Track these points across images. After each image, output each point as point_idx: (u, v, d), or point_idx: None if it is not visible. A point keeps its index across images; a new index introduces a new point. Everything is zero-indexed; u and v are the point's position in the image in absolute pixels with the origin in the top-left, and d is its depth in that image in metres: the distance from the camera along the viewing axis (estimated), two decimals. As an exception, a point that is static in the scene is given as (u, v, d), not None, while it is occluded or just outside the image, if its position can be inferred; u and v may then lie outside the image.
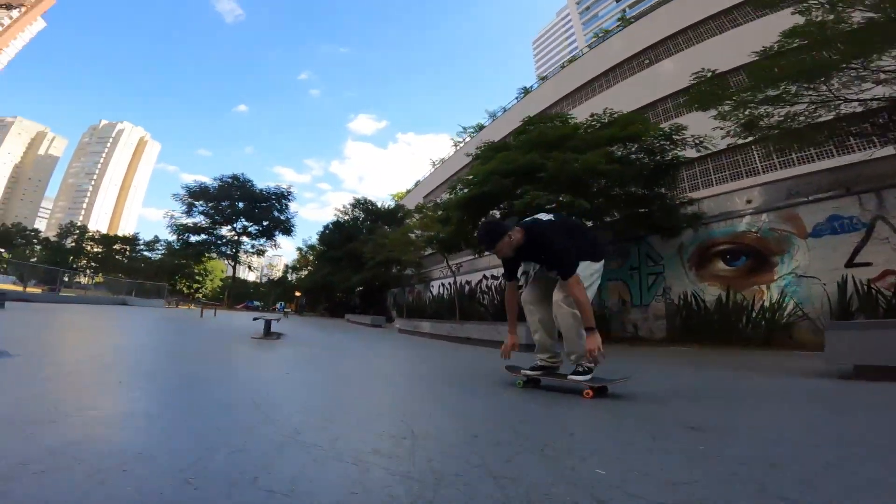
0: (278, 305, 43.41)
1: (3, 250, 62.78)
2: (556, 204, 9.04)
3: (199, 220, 39.75)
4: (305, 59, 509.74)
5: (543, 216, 3.10)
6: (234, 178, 39.86)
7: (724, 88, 9.22)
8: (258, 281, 75.52)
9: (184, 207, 38.94)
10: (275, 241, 42.88)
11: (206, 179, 40.56)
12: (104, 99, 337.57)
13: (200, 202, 39.34)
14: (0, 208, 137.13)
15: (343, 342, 9.22)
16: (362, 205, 38.37)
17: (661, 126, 11.72)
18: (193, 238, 39.88)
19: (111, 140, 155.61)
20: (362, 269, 30.40)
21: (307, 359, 5.52)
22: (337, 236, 37.78)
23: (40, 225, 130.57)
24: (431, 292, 27.03)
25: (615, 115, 11.54)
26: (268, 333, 7.36)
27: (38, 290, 30.72)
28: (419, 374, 4.73)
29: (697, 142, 10.49)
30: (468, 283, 21.86)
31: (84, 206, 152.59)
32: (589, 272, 2.92)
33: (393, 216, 35.49)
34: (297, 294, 51.09)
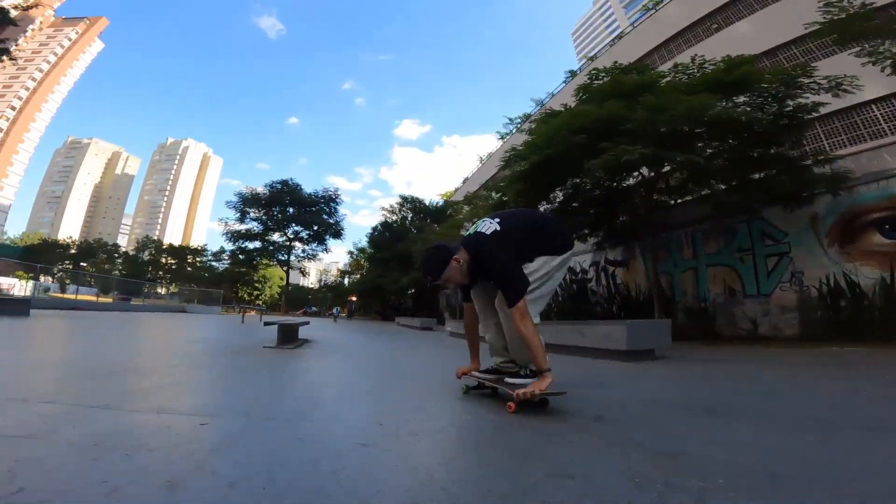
0: (334, 310, 43.18)
1: (84, 264, 67.96)
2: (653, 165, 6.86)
3: (252, 226, 40.41)
4: (347, 68, 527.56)
5: (487, 224, 2.56)
6: (284, 183, 40.11)
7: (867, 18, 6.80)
8: (314, 286, 76.91)
9: (237, 215, 39.65)
10: (326, 245, 42.84)
11: (259, 189, 40.54)
12: (165, 117, 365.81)
13: (253, 209, 39.88)
14: (86, 225, 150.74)
15: (377, 349, 7.69)
16: (410, 203, 37.19)
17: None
18: (248, 245, 40.53)
19: (178, 157, 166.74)
20: (412, 269, 29.01)
21: (305, 376, 3.83)
22: (386, 237, 36.84)
23: (122, 240, 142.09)
24: (486, 291, 25.12)
25: (710, 65, 9.02)
26: (285, 342, 5.80)
27: (109, 300, 32.21)
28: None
29: (833, 84, 7.88)
30: None
31: (159, 220, 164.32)
32: (546, 269, 2.50)
33: (442, 214, 33.96)
34: (353, 298, 50.93)
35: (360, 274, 46.84)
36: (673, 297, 11.04)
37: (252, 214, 40.02)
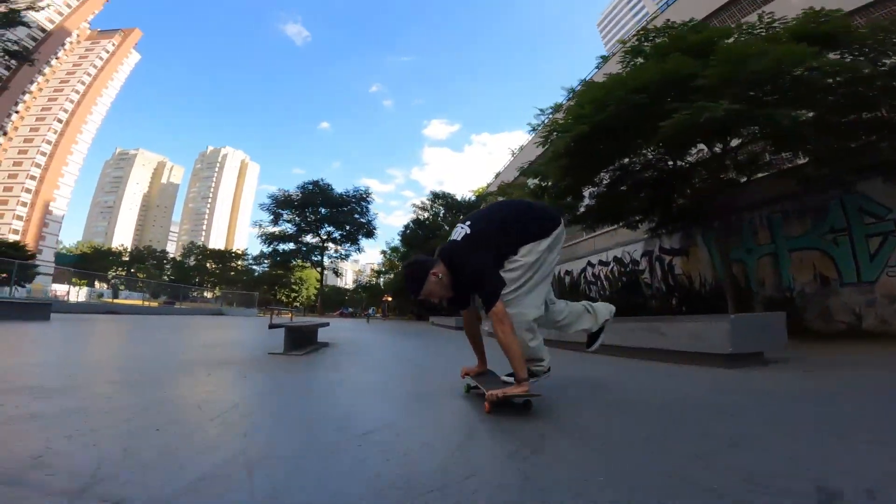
0: (370, 311, 43.08)
1: (132, 270, 71.17)
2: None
3: (286, 227, 40.71)
4: (373, 71, 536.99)
5: (458, 230, 2.39)
6: (315, 184, 40.13)
7: None
8: (350, 287, 77.53)
9: (270, 217, 40.01)
10: (359, 245, 42.69)
11: (292, 191, 40.77)
12: (202, 125, 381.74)
13: (286, 211, 40.11)
14: (137, 233, 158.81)
15: (406, 352, 6.87)
16: (441, 199, 36.33)
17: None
18: (281, 247, 40.86)
19: (218, 164, 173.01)
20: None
21: (312, 392, 2.92)
22: (418, 234, 36.18)
23: (171, 247, 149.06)
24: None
25: (780, 24, 7.51)
26: (294, 347, 5.01)
27: (155, 304, 33.13)
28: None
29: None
30: (568, 273, 18.45)
31: (203, 226, 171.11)
32: (535, 257, 2.31)
33: (474, 209, 32.93)
34: (388, 299, 50.74)
35: (394, 273, 46.51)
36: (748, 287, 9.59)
37: (285, 216, 40.30)
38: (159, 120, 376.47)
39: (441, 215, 36.31)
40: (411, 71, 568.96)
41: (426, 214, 36.88)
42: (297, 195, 40.29)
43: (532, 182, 11.79)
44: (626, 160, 8.95)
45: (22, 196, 77.66)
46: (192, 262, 75.67)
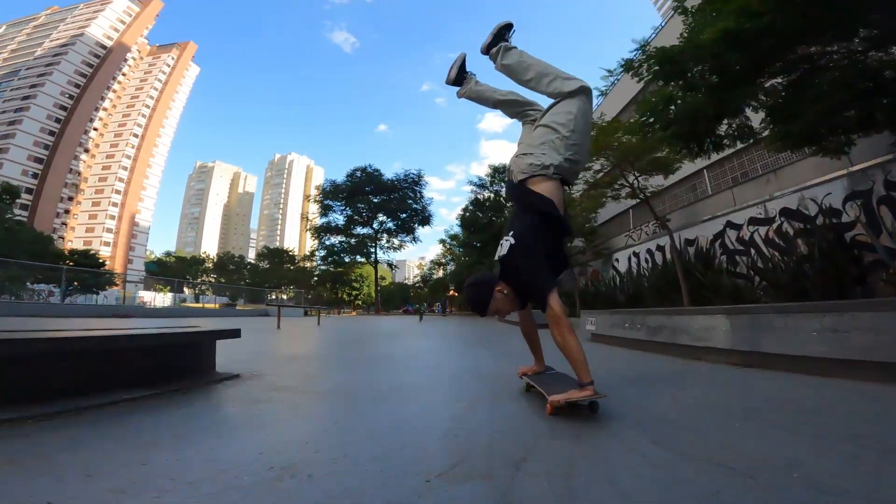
0: (421, 306, 39.05)
1: (214, 276, 73.70)
2: None
3: (333, 219, 37.97)
4: (422, 70, 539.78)
5: (503, 245, 2.20)
6: (362, 170, 36.78)
7: None
8: (411, 282, 74.64)
9: (319, 209, 37.35)
10: (415, 234, 38.77)
11: (340, 180, 37.82)
12: (267, 134, 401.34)
13: (336, 202, 37.31)
14: (221, 241, 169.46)
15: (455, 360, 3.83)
16: (502, 173, 31.36)
17: None
18: (331, 240, 38.20)
19: (286, 171, 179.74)
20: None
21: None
22: (478, 217, 31.61)
23: (251, 253, 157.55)
24: (617, 269, 18.53)
25: None
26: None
27: (215, 307, 31.74)
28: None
29: None
30: (691, 242, 13.04)
31: (278, 231, 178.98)
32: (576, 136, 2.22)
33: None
34: (453, 293, 46.71)
35: (456, 263, 42.08)
36: None
37: (336, 207, 37.53)
38: (226, 130, 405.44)
39: (504, 193, 31.42)
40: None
41: (486, 193, 32.11)
42: (345, 184, 37.25)
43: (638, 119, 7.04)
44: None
45: (109, 210, 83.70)
46: (265, 265, 76.89)
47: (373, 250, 39.07)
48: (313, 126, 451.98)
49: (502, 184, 31.47)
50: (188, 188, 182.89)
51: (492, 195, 31.90)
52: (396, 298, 70.82)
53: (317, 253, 45.10)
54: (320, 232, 38.22)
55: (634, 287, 14.37)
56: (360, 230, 38.42)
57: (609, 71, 8.34)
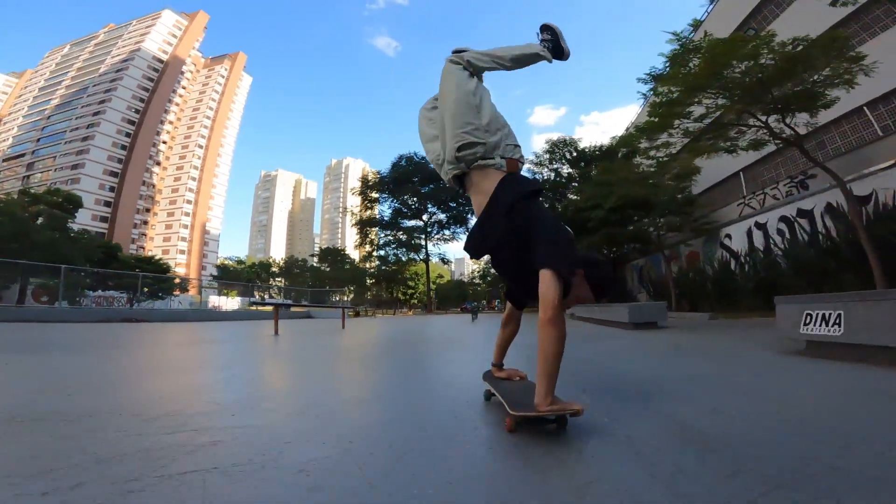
0: (471, 304, 35.61)
1: (281, 279, 75.42)
2: None
3: (383, 211, 35.70)
4: None
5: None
6: (408, 159, 34.03)
7: None
8: (468, 279, 71.52)
9: (362, 202, 35.22)
10: (468, 224, 35.47)
11: (385, 171, 35.47)
12: (323, 140, 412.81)
13: (382, 194, 35.00)
14: (288, 247, 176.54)
15: None
16: (561, 149, 27.20)
17: None
18: (381, 235, 35.96)
19: (343, 175, 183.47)
20: (581, 233, 19.52)
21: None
22: (539, 198, 27.90)
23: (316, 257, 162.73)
24: (726, 249, 14.16)
25: None
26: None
27: (268, 309, 30.73)
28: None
29: None
30: (864, 199, 8.83)
31: (339, 235, 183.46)
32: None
33: (611, 157, 23.32)
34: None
35: None
36: None
37: (381, 199, 35.25)
38: (283, 138, 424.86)
39: (565, 174, 27.29)
40: None
41: (545, 172, 28.09)
42: (389, 175, 34.69)
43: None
44: None
45: (182, 219, 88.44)
46: (326, 267, 77.40)
47: (423, 243, 36.30)
48: (366, 130, 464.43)
49: (563, 161, 27.40)
50: (255, 197, 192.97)
51: (552, 174, 27.85)
52: (454, 296, 67.95)
53: (366, 248, 43.20)
54: (364, 225, 36.11)
55: (768, 268, 10.18)
56: (408, 223, 35.85)
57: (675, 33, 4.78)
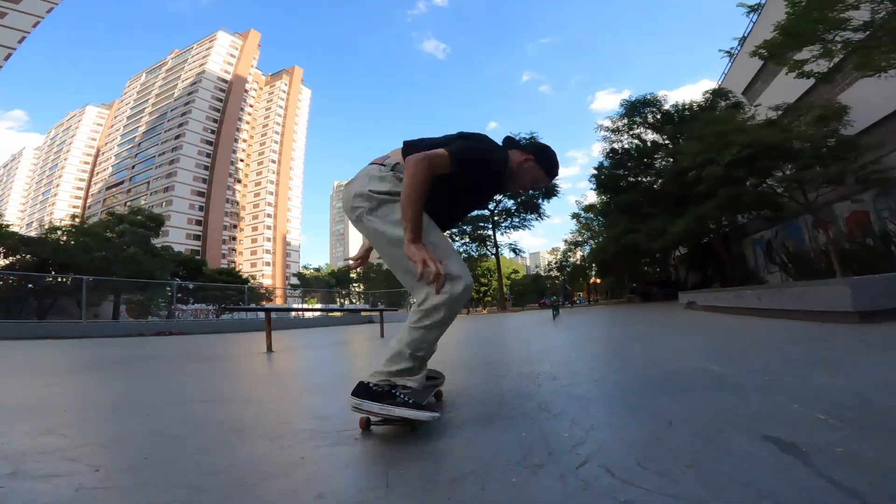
0: (551, 299, 31.77)
1: (361, 284, 76.88)
2: None
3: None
4: (518, 61, 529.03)
5: None
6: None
7: None
8: (545, 273, 67.11)
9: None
10: (540, 211, 31.94)
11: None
12: (387, 144, 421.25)
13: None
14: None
15: None
16: (642, 109, 22.72)
17: None
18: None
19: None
20: (685, 207, 15.66)
21: None
22: (618, 174, 23.75)
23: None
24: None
25: None
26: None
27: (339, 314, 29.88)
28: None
29: None
30: None
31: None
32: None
33: (710, 112, 18.82)
34: (596, 280, 38.78)
35: (596, 240, 33.78)
36: None
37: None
38: (348, 148, 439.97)
39: (649, 141, 22.92)
40: (556, 50, 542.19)
41: (625, 139, 23.79)
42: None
43: None
44: None
45: (265, 233, 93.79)
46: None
47: (490, 233, 33.32)
48: (430, 130, 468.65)
49: (644, 126, 22.98)
50: (331, 207, 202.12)
51: (635, 141, 23.56)
52: (531, 291, 64.05)
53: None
54: None
55: None
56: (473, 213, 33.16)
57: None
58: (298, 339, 8.24)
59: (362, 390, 1.36)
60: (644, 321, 6.73)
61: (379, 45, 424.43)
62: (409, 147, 1.55)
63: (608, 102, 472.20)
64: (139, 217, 35.89)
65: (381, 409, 1.31)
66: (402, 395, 1.35)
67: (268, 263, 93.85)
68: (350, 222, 1.59)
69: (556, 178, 1.70)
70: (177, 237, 74.56)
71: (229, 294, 35.35)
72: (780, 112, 12.41)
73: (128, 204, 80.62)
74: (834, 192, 11.44)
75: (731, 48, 24.75)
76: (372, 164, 1.58)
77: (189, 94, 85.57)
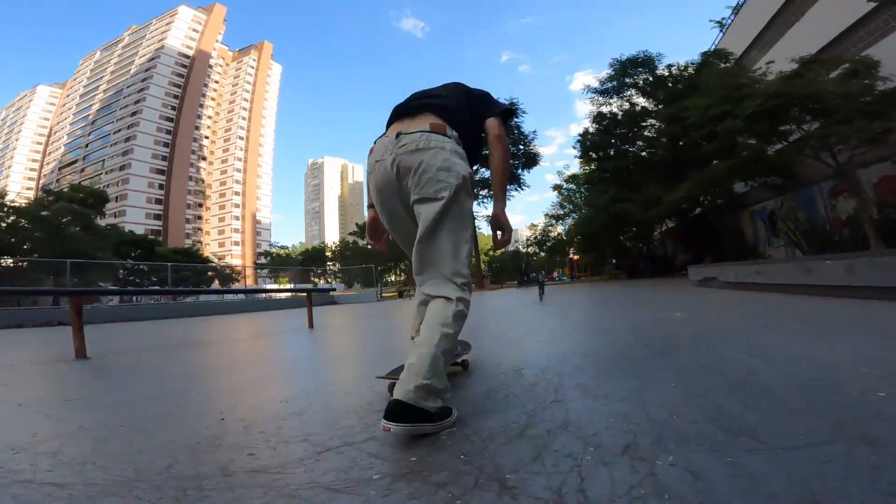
0: (526, 275, 30.06)
1: (336, 263, 74.19)
2: None
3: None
4: (499, 41, 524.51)
5: None
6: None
7: None
8: (524, 248, 65.69)
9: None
10: (520, 181, 29.85)
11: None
12: (361, 123, 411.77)
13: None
14: (341, 231, 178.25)
15: None
16: (633, 69, 20.67)
17: None
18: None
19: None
20: (684, 175, 13.94)
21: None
22: (605, 141, 21.87)
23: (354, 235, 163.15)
24: None
25: None
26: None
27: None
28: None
29: None
30: None
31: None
32: None
33: (706, 73, 16.93)
34: (574, 257, 37.36)
35: (579, 212, 31.77)
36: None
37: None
38: (324, 124, 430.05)
39: (639, 105, 21.01)
40: (537, 30, 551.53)
41: (614, 102, 21.78)
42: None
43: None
44: None
45: (233, 211, 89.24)
46: (368, 244, 75.23)
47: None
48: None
49: (634, 89, 20.98)
50: (306, 185, 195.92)
51: (625, 104, 21.59)
52: (510, 268, 62.61)
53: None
54: None
55: None
56: None
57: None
58: (198, 330, 6.00)
59: (414, 414, 1.17)
60: (667, 304, 4.84)
61: (355, 23, 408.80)
62: (486, 102, 1.65)
63: (588, 82, 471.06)
64: (80, 194, 32.37)
65: (436, 428, 1.20)
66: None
67: (237, 243, 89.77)
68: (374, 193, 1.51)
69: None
70: (136, 217, 70.15)
71: (185, 276, 32.82)
72: (798, 64, 10.58)
73: (78, 183, 75.63)
74: (872, 153, 9.72)
75: (723, 18, 22.93)
76: (434, 133, 1.42)
77: (147, 70, 79.99)
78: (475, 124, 1.59)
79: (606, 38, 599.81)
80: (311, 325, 5.80)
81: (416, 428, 1.13)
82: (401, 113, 1.54)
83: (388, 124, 1.56)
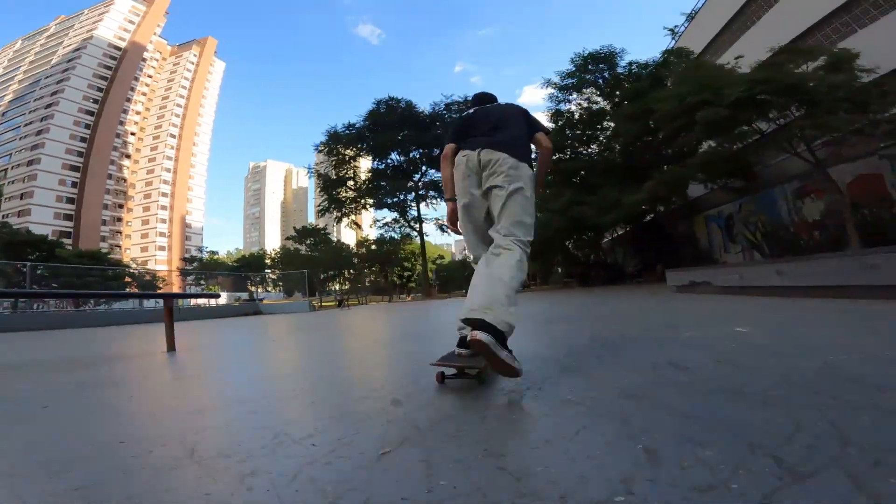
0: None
1: (274, 270, 69.52)
2: None
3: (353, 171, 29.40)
4: (453, 52, 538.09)
5: None
6: (391, 100, 26.83)
7: None
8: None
9: (331, 160, 28.45)
10: (470, 188, 28.64)
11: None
12: (307, 129, 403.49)
13: (349, 148, 28.20)
14: (283, 237, 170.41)
15: None
16: (592, 65, 20.01)
17: None
18: (343, 194, 29.80)
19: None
20: (644, 176, 13.13)
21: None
22: (567, 138, 21.13)
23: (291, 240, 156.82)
24: None
25: None
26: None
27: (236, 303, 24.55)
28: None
29: None
30: None
31: (334, 223, 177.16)
32: None
33: (672, 67, 16.60)
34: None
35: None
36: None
37: (350, 152, 28.80)
38: (269, 129, 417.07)
39: (599, 102, 20.44)
40: (492, 42, 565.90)
41: (574, 99, 21.01)
42: (363, 124, 27.60)
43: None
44: None
45: (159, 213, 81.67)
46: (306, 250, 71.55)
47: (413, 206, 29.56)
48: (355, 116, 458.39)
49: (593, 86, 20.41)
50: (246, 189, 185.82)
51: (584, 104, 20.91)
52: (459, 277, 61.54)
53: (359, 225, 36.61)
54: (327, 185, 29.61)
55: None
56: (386, 183, 29.00)
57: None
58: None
59: (492, 331, 1.27)
60: (662, 317, 3.44)
61: (310, 26, 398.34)
62: (536, 125, 2.06)
63: (534, 97, 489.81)
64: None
65: (507, 359, 1.27)
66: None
67: (162, 248, 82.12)
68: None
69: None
70: (42, 216, 62.16)
71: (91, 281, 28.90)
72: (771, 53, 9.97)
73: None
74: (855, 148, 9.14)
75: (675, 26, 22.95)
76: (512, 157, 1.82)
77: (69, 60, 72.47)
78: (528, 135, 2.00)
79: (557, 55, 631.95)
80: (170, 348, 3.79)
81: (494, 345, 1.24)
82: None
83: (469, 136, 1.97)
